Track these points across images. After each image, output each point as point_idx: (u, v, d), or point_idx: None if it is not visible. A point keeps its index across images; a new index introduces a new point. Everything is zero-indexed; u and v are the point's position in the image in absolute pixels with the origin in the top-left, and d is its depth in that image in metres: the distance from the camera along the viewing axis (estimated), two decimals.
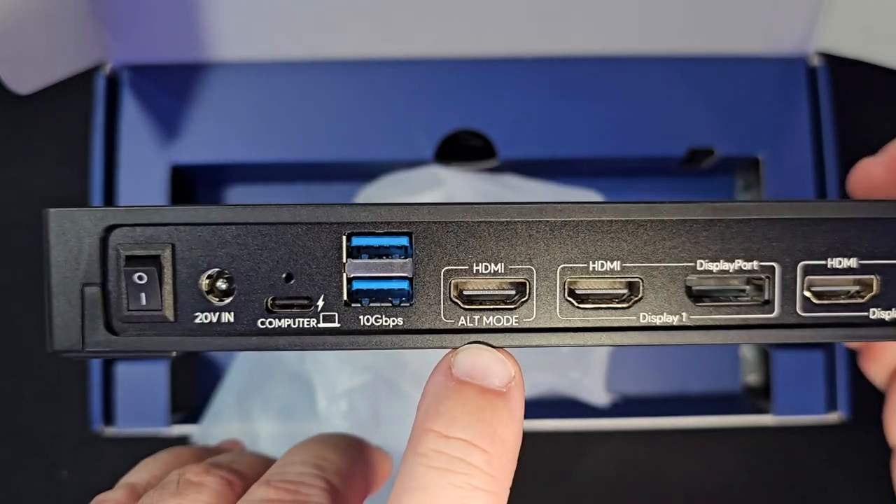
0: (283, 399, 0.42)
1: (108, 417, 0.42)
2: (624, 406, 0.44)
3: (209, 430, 0.42)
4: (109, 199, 0.43)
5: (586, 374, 0.43)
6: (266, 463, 0.25)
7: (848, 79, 0.45)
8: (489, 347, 0.21)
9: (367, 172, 0.44)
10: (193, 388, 0.45)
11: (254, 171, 0.45)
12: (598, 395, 0.43)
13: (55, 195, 0.46)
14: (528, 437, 0.44)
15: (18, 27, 0.36)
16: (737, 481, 0.46)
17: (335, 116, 0.43)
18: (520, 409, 0.20)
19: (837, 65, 0.44)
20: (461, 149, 0.44)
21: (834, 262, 0.21)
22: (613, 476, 0.45)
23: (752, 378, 0.46)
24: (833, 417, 0.42)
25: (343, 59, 0.43)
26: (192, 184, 0.46)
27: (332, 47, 0.43)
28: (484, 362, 0.20)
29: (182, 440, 0.43)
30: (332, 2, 0.41)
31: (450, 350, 0.21)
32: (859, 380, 0.38)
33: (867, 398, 0.29)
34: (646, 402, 0.46)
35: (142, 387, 0.42)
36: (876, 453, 0.29)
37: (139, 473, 0.25)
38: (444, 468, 0.19)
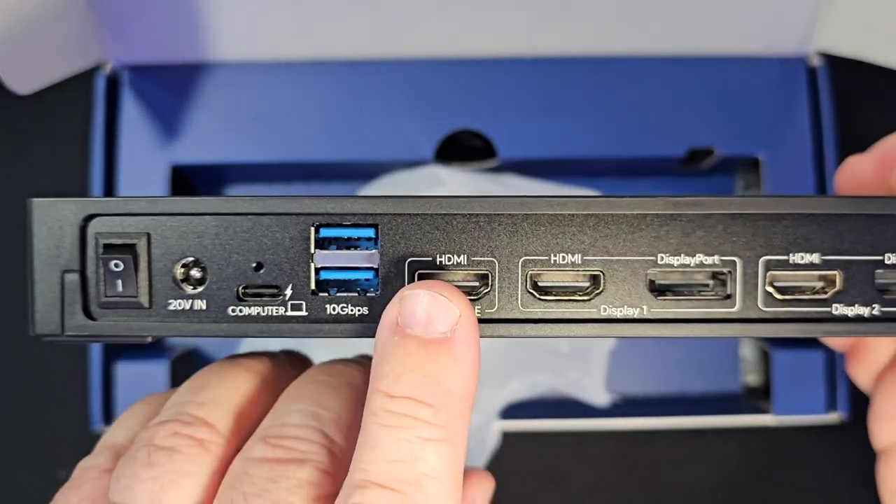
0: None
1: (108, 417, 0.42)
2: (624, 406, 0.44)
3: None
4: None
5: (586, 374, 0.43)
6: (254, 397, 0.24)
7: (848, 79, 0.45)
8: (430, 291, 0.20)
9: (367, 172, 0.44)
10: None
11: (254, 171, 0.45)
12: (598, 395, 0.43)
13: (55, 195, 0.46)
14: (529, 437, 0.44)
15: (18, 27, 0.36)
16: (737, 481, 0.46)
17: (335, 116, 0.43)
18: (466, 350, 0.20)
19: (837, 65, 0.44)
20: (461, 149, 0.44)
21: (796, 258, 0.21)
22: (613, 476, 0.46)
23: (752, 378, 0.46)
24: (833, 417, 0.42)
25: (343, 59, 0.43)
26: (192, 184, 0.46)
27: (332, 47, 0.43)
28: (425, 309, 0.20)
29: None
30: (332, 2, 0.41)
31: (394, 298, 0.21)
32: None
33: (867, 399, 0.29)
34: (646, 402, 0.46)
35: (142, 387, 0.42)
36: (875, 454, 0.29)
37: (117, 432, 0.24)
38: (392, 425, 0.19)
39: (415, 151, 0.43)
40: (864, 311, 0.22)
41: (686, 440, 0.45)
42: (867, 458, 0.29)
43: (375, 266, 0.21)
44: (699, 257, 0.21)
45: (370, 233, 0.21)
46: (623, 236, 0.21)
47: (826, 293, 0.22)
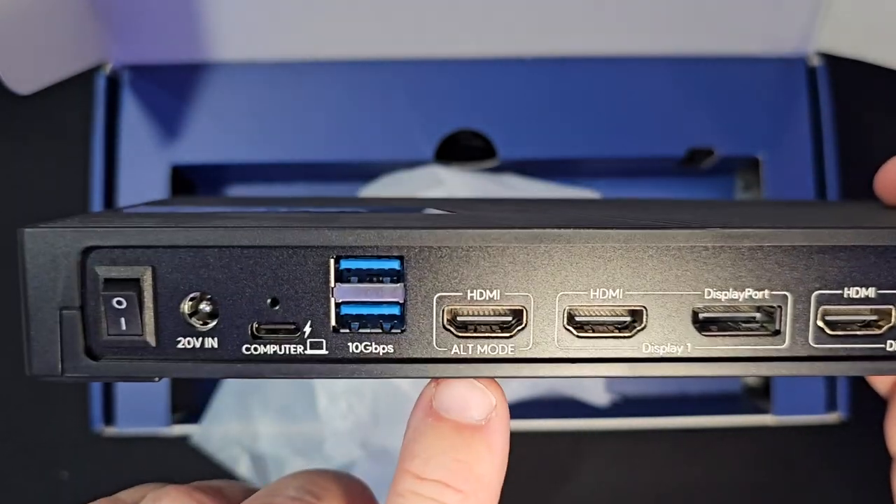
0: (283, 399, 0.42)
1: (108, 417, 0.42)
2: (624, 406, 0.44)
3: (209, 430, 0.42)
4: (110, 199, 0.43)
5: None
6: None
7: (848, 79, 0.45)
8: (468, 378, 0.20)
9: (367, 172, 0.44)
10: (193, 388, 0.45)
11: (254, 171, 0.44)
12: (598, 395, 0.43)
13: (55, 195, 0.46)
14: (528, 437, 0.44)
15: (18, 27, 0.36)
16: (737, 481, 0.46)
17: (335, 116, 0.43)
18: (500, 440, 0.20)
19: (837, 65, 0.44)
20: (461, 149, 0.44)
21: (850, 292, 0.20)
22: (613, 476, 0.45)
23: (752, 378, 0.46)
24: (833, 417, 0.42)
25: (343, 59, 0.43)
26: (192, 184, 0.46)
27: (332, 47, 0.43)
28: (462, 394, 0.20)
29: (182, 440, 0.43)
30: (332, 2, 0.41)
31: (430, 380, 0.21)
32: (859, 380, 0.38)
33: (867, 399, 0.29)
34: (646, 402, 0.46)
35: (142, 387, 0.42)
36: (875, 454, 0.29)
37: (129, 492, 0.24)
38: None
39: (415, 151, 0.43)
40: None
41: (686, 440, 0.45)
42: (867, 457, 0.29)
43: (401, 300, 0.20)
44: (748, 292, 0.20)
45: (395, 264, 0.20)
46: (669, 270, 0.20)
47: (880, 328, 0.20)
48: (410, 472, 0.19)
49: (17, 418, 0.45)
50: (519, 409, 0.43)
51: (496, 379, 0.21)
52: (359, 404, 0.41)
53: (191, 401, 0.45)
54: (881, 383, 0.30)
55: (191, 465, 0.44)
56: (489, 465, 0.20)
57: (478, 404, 0.20)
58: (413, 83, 0.43)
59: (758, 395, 0.45)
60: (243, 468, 0.42)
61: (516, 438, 0.47)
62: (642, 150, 0.43)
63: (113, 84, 0.43)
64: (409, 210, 0.27)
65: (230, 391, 0.43)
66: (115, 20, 0.41)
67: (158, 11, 0.41)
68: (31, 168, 0.47)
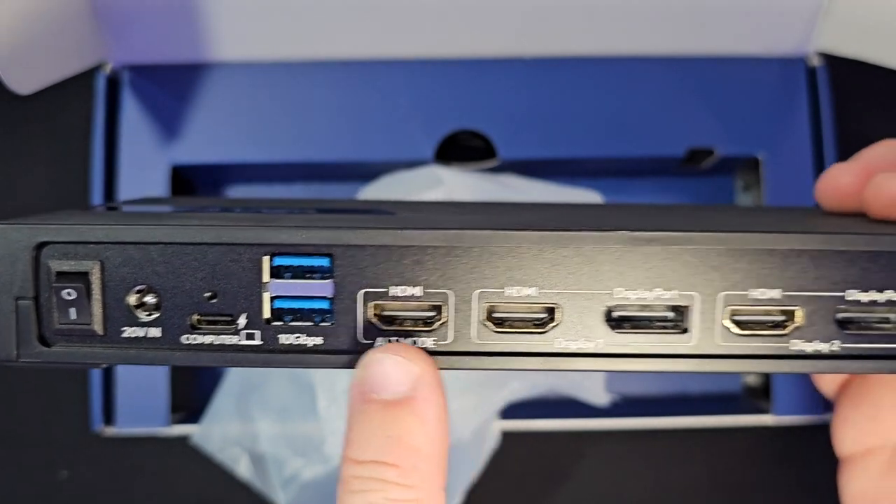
0: (283, 399, 0.42)
1: (108, 417, 0.42)
2: (624, 406, 0.44)
3: (209, 430, 0.42)
4: (110, 199, 0.43)
5: (586, 374, 0.43)
6: None
7: (848, 79, 0.45)
8: (389, 354, 0.20)
9: (367, 172, 0.44)
10: (193, 388, 0.45)
11: (254, 171, 0.45)
12: (598, 395, 0.43)
13: (55, 195, 0.46)
14: (528, 437, 0.44)
15: (18, 27, 0.36)
16: (737, 481, 0.46)
17: (335, 116, 0.43)
18: (431, 408, 0.20)
19: (837, 65, 0.44)
20: (461, 149, 0.44)
21: (756, 293, 0.21)
22: (613, 476, 0.45)
23: (752, 378, 0.46)
24: (832, 417, 0.42)
25: (343, 59, 0.43)
26: (192, 184, 0.46)
27: (332, 47, 0.43)
28: (383, 371, 0.20)
29: (182, 440, 0.43)
30: (332, 2, 0.41)
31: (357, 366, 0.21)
32: None
33: None
34: (646, 402, 0.46)
35: (142, 387, 0.42)
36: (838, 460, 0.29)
37: None
38: (361, 490, 0.20)
39: (415, 151, 0.43)
40: (823, 347, 0.21)
41: (686, 440, 0.45)
42: None
43: (330, 296, 0.21)
44: (657, 291, 0.21)
45: (325, 262, 0.21)
46: (580, 269, 0.21)
47: (786, 328, 0.21)
48: (349, 458, 0.20)
49: (17, 418, 0.45)
50: (519, 410, 0.43)
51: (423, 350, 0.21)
52: None
53: (191, 401, 0.45)
54: (826, 386, 0.30)
55: (191, 465, 0.44)
56: (422, 435, 0.20)
57: (400, 378, 0.20)
58: (413, 83, 0.43)
59: (758, 395, 0.45)
60: (243, 468, 0.42)
61: (516, 438, 0.47)
62: (642, 150, 0.43)
63: (113, 84, 0.43)
64: (355, 211, 0.28)
65: (230, 391, 0.43)
66: (115, 20, 0.41)
67: (158, 12, 0.41)
68: (31, 168, 0.47)
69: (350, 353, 0.21)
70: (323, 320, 0.21)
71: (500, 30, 0.43)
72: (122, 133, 0.43)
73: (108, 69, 0.43)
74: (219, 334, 0.21)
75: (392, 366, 0.20)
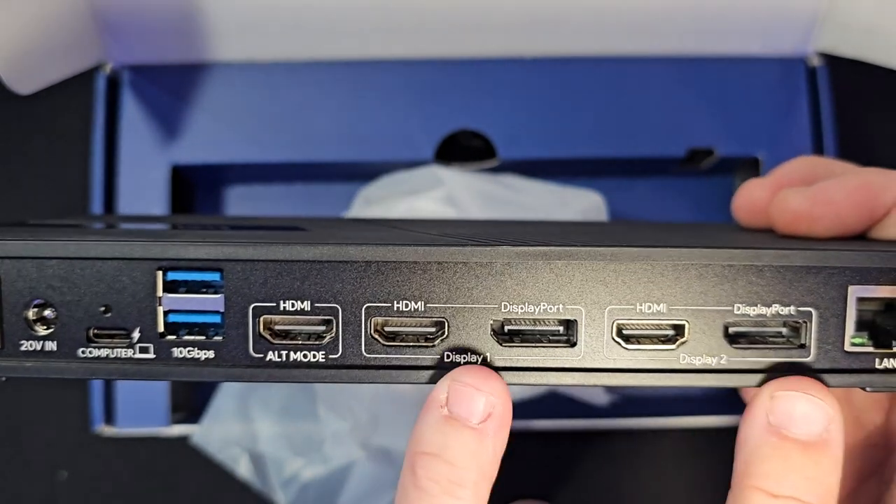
0: (283, 399, 0.42)
1: (108, 417, 0.42)
2: (624, 406, 0.44)
3: (209, 430, 0.42)
4: (110, 199, 0.43)
5: None
6: None
7: (848, 79, 0.45)
8: (798, 390, 0.21)
9: (367, 172, 0.44)
10: (193, 388, 0.45)
11: (254, 171, 0.44)
12: (598, 395, 0.43)
13: (55, 195, 0.46)
14: (528, 437, 0.44)
15: (18, 27, 0.36)
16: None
17: (335, 116, 0.43)
18: (840, 449, 0.21)
19: (837, 65, 0.44)
20: (461, 149, 0.44)
21: (643, 307, 0.21)
22: (613, 476, 0.45)
23: None
24: None
25: (343, 59, 0.43)
26: (192, 184, 0.46)
27: (332, 47, 0.43)
28: (803, 411, 0.21)
29: (182, 440, 0.43)
30: (332, 2, 0.41)
31: (763, 393, 0.21)
32: None
33: None
34: (646, 402, 0.46)
35: (142, 387, 0.42)
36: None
37: None
38: None
39: (415, 151, 0.43)
40: (711, 361, 0.21)
41: (686, 440, 0.45)
42: None
43: (221, 310, 0.21)
44: (543, 306, 0.21)
45: (215, 276, 0.21)
46: (466, 283, 0.21)
47: (675, 343, 0.21)
48: (759, 488, 0.20)
49: (17, 418, 0.45)
50: (519, 409, 0.43)
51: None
52: (358, 406, 0.41)
53: (191, 401, 0.45)
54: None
55: (191, 465, 0.44)
56: (836, 476, 0.21)
57: (819, 420, 0.21)
58: (413, 83, 0.43)
59: None
60: (243, 468, 0.42)
61: (517, 438, 0.47)
62: (642, 150, 0.43)
63: (113, 84, 0.43)
64: (268, 228, 0.29)
65: (230, 391, 0.43)
66: (115, 20, 0.41)
67: (158, 12, 0.41)
68: (31, 168, 0.47)
69: (241, 367, 0.21)
70: (216, 334, 0.22)
71: (500, 30, 0.43)
72: (122, 133, 0.43)
73: (108, 69, 0.43)
74: (114, 348, 0.22)
75: (811, 407, 0.20)
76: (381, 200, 0.42)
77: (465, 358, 0.22)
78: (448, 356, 0.22)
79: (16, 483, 0.45)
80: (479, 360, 0.22)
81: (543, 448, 0.45)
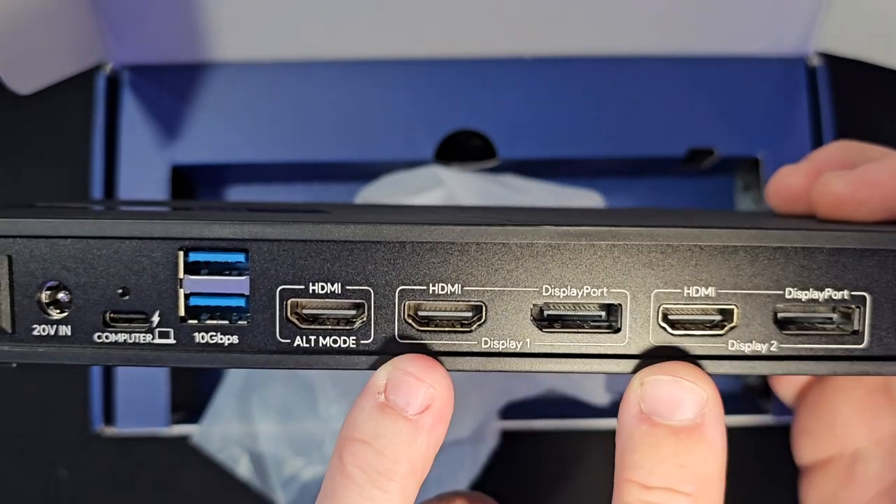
0: (283, 399, 0.42)
1: (108, 417, 0.42)
2: None
3: (209, 430, 0.42)
4: (110, 199, 0.43)
5: (586, 374, 0.43)
6: None
7: (848, 79, 0.45)
8: (667, 374, 0.20)
9: (367, 172, 0.44)
10: (193, 388, 0.45)
11: (254, 171, 0.45)
12: (598, 395, 0.43)
13: (55, 195, 0.46)
14: (528, 437, 0.44)
15: (18, 27, 0.36)
16: (737, 481, 0.46)
17: (335, 116, 0.43)
18: (718, 434, 0.20)
19: (837, 65, 0.44)
20: (461, 149, 0.44)
21: (690, 291, 0.20)
22: (613, 476, 0.45)
23: (752, 378, 0.46)
24: None
25: (343, 59, 0.43)
26: (192, 184, 0.46)
27: (332, 47, 0.43)
28: (671, 395, 0.20)
29: (182, 440, 0.43)
30: (332, 2, 0.41)
31: (633, 379, 0.20)
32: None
33: None
34: None
35: (142, 387, 0.42)
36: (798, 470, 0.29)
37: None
38: None
39: (415, 151, 0.43)
40: (761, 347, 0.21)
41: None
42: None
43: (246, 293, 0.20)
44: (586, 289, 0.20)
45: (241, 258, 0.20)
46: (505, 265, 0.20)
47: (723, 328, 0.20)
48: (634, 481, 0.20)
49: (17, 418, 0.45)
50: (519, 409, 0.43)
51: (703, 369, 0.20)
52: None
53: (191, 401, 0.45)
54: (785, 392, 0.30)
55: (191, 465, 0.44)
56: (712, 462, 0.20)
57: (689, 402, 0.20)
58: (413, 83, 0.43)
59: (758, 395, 0.45)
60: (243, 468, 0.42)
61: (516, 438, 0.47)
62: (642, 150, 0.43)
63: (113, 84, 0.43)
64: (288, 211, 0.27)
65: (231, 391, 0.43)
66: (115, 20, 0.41)
67: (158, 11, 0.41)
68: (32, 168, 0.47)
69: (268, 353, 0.20)
70: (240, 318, 0.20)
71: (501, 30, 0.43)
72: (122, 133, 0.43)
73: (108, 69, 0.43)
74: (131, 333, 0.20)
75: (682, 390, 0.20)
76: (381, 200, 0.42)
77: (503, 345, 0.21)
78: (486, 342, 0.21)
79: (16, 483, 0.45)
80: (519, 346, 0.21)
81: (543, 448, 0.45)
